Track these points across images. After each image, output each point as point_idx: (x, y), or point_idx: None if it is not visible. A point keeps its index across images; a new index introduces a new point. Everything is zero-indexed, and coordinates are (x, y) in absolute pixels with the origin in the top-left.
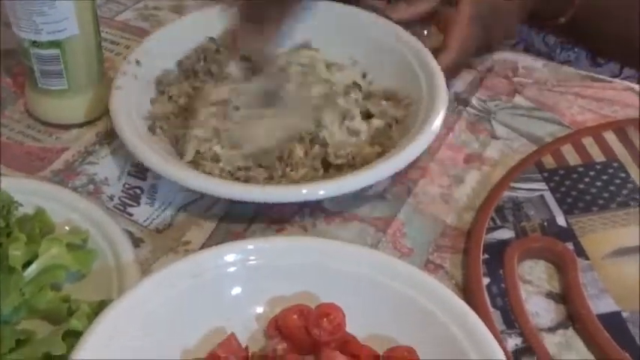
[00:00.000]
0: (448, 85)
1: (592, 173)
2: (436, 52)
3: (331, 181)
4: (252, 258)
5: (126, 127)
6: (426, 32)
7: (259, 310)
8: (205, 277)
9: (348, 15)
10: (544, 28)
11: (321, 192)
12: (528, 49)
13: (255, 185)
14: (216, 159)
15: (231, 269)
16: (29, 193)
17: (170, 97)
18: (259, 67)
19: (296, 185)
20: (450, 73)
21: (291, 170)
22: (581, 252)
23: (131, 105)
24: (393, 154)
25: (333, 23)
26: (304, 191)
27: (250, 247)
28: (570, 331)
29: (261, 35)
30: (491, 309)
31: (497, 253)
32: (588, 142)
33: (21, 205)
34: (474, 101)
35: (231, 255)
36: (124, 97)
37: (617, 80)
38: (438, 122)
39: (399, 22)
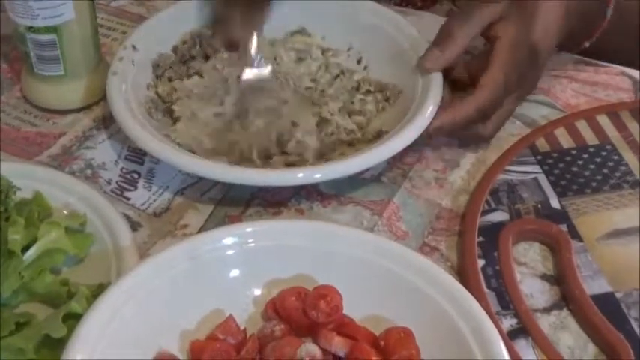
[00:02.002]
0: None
1: (585, 156)
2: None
3: (327, 164)
4: (249, 241)
5: (123, 112)
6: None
7: (257, 292)
8: (203, 260)
9: (344, 1)
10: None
11: (317, 176)
12: None
13: (252, 169)
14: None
15: (229, 252)
16: (27, 177)
17: (169, 79)
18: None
19: (292, 169)
20: (481, 115)
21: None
22: (574, 234)
23: (128, 90)
24: (389, 139)
25: (329, 9)
26: (300, 175)
27: (248, 229)
28: (564, 312)
29: (239, 25)
30: (486, 290)
31: (491, 235)
32: (581, 125)
33: (19, 189)
34: None
35: (229, 238)
36: (121, 82)
37: (610, 64)
38: (433, 107)
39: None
